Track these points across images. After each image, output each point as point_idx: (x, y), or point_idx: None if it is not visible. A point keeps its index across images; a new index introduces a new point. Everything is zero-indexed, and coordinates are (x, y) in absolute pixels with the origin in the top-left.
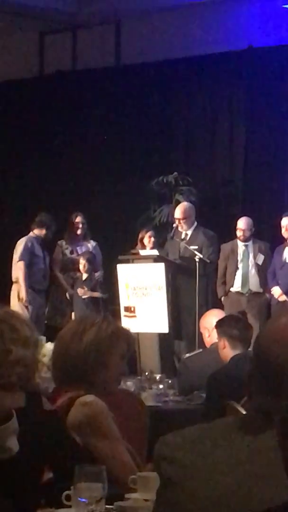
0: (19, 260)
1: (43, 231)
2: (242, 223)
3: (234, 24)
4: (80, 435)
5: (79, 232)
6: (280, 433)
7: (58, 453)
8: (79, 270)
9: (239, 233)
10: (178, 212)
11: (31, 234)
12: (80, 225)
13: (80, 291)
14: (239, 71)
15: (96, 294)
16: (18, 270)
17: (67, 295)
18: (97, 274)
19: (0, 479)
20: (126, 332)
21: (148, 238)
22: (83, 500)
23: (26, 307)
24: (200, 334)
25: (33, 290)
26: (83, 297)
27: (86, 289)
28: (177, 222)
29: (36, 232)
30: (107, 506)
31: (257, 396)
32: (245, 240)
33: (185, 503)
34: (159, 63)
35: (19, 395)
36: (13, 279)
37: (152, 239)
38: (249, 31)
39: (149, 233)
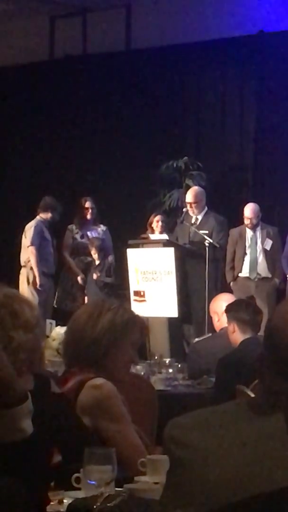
0: (30, 245)
1: (49, 214)
2: (249, 212)
3: (245, 9)
4: (90, 417)
5: (89, 216)
6: None
7: (67, 436)
8: (89, 255)
9: (246, 221)
10: (189, 196)
11: (38, 218)
12: (90, 210)
13: (94, 275)
14: (250, 56)
15: (108, 280)
16: (29, 254)
17: (79, 279)
18: (110, 259)
19: (13, 460)
20: (140, 321)
21: (156, 222)
22: (93, 482)
23: (39, 291)
24: (210, 319)
25: (43, 274)
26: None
27: (99, 274)
28: (188, 206)
29: (43, 216)
30: (116, 488)
31: (267, 378)
32: (253, 227)
33: (195, 484)
34: (170, 47)
35: (27, 378)
36: (22, 263)
37: (160, 223)
38: (260, 16)
39: (157, 217)
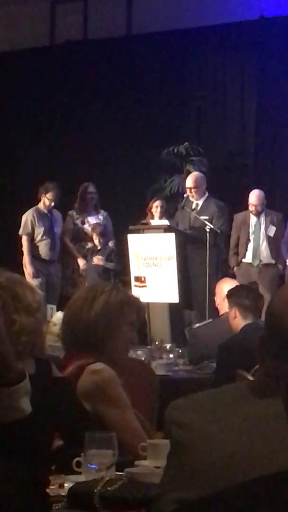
0: (21, 234)
1: (43, 199)
2: (254, 198)
3: None
4: (90, 402)
5: (89, 202)
6: (286, 398)
7: (68, 420)
8: (90, 240)
9: (251, 208)
10: (189, 181)
11: (36, 207)
12: (91, 195)
13: (96, 259)
14: (250, 41)
15: (108, 265)
16: (22, 244)
17: (81, 264)
18: (110, 244)
19: (13, 441)
20: (135, 300)
21: (155, 208)
22: (93, 466)
23: (36, 278)
24: (211, 304)
25: (40, 261)
26: (98, 264)
27: (101, 257)
28: (188, 191)
29: (40, 203)
30: (117, 472)
31: (267, 361)
32: (257, 214)
33: (196, 466)
34: (171, 33)
35: (28, 362)
36: None
37: (159, 208)
38: (260, 1)
39: (156, 203)
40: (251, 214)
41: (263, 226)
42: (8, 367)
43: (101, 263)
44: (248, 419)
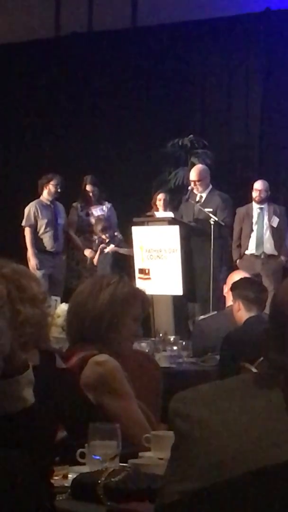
0: (24, 227)
1: (47, 188)
2: (259, 184)
3: None
4: (93, 394)
5: (93, 194)
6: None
7: (72, 411)
8: (95, 232)
9: (255, 194)
10: (193, 174)
11: (39, 199)
12: (94, 187)
13: (109, 248)
14: (256, 33)
15: (123, 251)
16: (25, 236)
17: (88, 253)
18: (116, 233)
19: (17, 431)
20: (141, 293)
21: (158, 201)
22: (97, 457)
23: (40, 269)
24: (215, 296)
25: (44, 253)
26: (113, 251)
27: (113, 246)
28: (192, 184)
29: (43, 195)
30: (121, 464)
31: (271, 353)
32: (261, 201)
33: (200, 458)
34: (176, 25)
35: (33, 353)
36: None
37: (163, 201)
38: None
39: (160, 195)
40: (254, 205)
41: (266, 217)
42: (11, 357)
43: (115, 249)
44: (252, 411)
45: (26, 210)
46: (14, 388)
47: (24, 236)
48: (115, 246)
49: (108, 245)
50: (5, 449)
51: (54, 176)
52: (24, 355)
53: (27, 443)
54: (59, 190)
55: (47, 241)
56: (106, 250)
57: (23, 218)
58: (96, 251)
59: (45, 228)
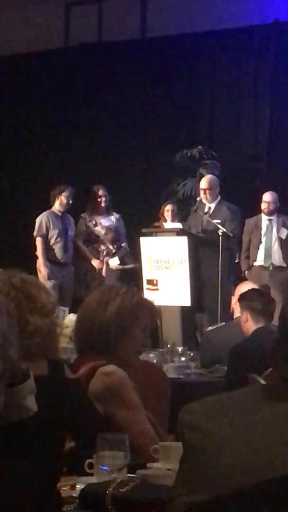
0: (36, 237)
1: (59, 199)
2: (268, 196)
3: None
4: (101, 404)
5: (101, 204)
6: None
7: (80, 422)
8: (103, 243)
9: (263, 206)
10: (203, 183)
11: (50, 210)
12: (103, 198)
13: (111, 262)
14: (265, 45)
15: (129, 266)
16: (37, 246)
17: (96, 264)
18: (123, 245)
19: (22, 441)
20: (150, 304)
21: (166, 212)
22: (105, 468)
23: (50, 279)
24: (223, 307)
25: (54, 263)
26: (115, 269)
27: (117, 263)
28: (202, 193)
29: (54, 206)
30: (129, 474)
31: (281, 365)
32: (270, 213)
33: (208, 469)
34: (185, 36)
35: (41, 363)
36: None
37: (171, 212)
38: (275, 4)
39: (167, 206)
40: (263, 217)
41: (275, 229)
42: (12, 368)
43: (118, 267)
44: (261, 423)
45: (38, 220)
46: (15, 397)
47: (34, 246)
48: (120, 258)
49: (113, 257)
50: (11, 458)
51: (67, 187)
52: (23, 363)
53: (33, 452)
54: (70, 202)
55: (58, 251)
56: (110, 266)
57: (32, 228)
58: (103, 261)
59: (56, 238)
